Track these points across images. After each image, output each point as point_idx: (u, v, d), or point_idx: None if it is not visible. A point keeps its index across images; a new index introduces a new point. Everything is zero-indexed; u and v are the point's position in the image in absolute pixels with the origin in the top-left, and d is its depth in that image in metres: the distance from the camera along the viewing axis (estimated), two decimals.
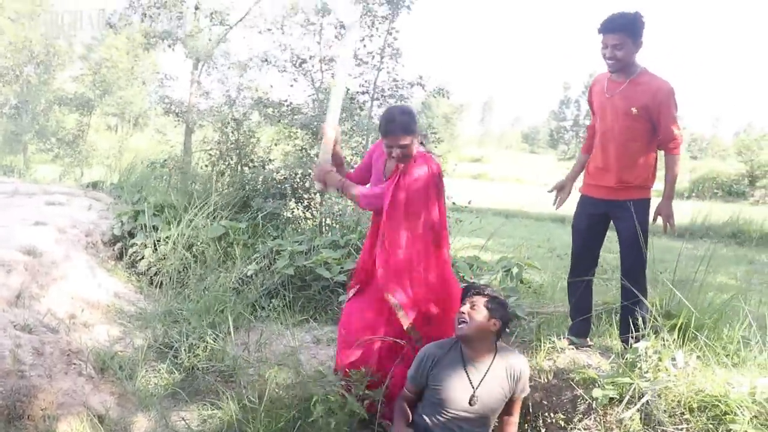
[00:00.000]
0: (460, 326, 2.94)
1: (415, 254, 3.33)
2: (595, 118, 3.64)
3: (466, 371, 2.94)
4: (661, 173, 3.56)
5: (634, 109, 3.32)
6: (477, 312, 2.92)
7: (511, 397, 3.00)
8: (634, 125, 3.36)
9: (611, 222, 3.60)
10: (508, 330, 3.27)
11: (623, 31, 3.27)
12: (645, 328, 3.38)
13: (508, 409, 3.05)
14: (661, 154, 3.52)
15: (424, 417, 3.00)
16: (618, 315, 3.71)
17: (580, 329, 3.64)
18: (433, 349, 3.04)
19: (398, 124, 3.18)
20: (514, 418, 3.11)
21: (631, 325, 3.40)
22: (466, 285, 3.19)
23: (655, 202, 3.53)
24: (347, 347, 3.45)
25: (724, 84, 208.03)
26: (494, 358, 2.97)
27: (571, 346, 3.56)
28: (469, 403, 2.90)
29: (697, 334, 3.41)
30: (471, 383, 2.92)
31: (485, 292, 3.00)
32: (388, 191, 3.32)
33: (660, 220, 3.50)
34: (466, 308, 2.95)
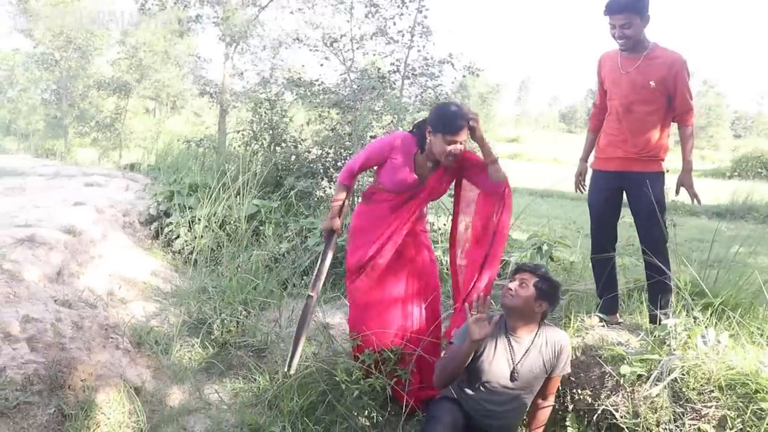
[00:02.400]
0: (505, 298, 2.93)
1: None
2: (603, 95, 3.62)
3: (509, 345, 2.93)
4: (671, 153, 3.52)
5: (652, 83, 3.31)
6: (525, 290, 2.89)
7: (550, 375, 2.97)
8: (652, 97, 3.35)
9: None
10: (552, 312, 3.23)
11: (628, 10, 3.24)
12: (672, 304, 3.35)
13: (543, 391, 3.02)
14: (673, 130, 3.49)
15: (452, 390, 3.02)
16: (647, 293, 3.67)
17: (609, 306, 3.61)
18: None
19: (465, 121, 3.12)
20: (548, 403, 3.07)
21: (660, 302, 3.37)
22: (519, 264, 3.16)
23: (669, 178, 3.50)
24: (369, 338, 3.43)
25: None
26: (537, 334, 2.94)
27: (601, 323, 3.54)
28: (510, 379, 2.90)
29: (732, 313, 3.36)
30: (512, 358, 2.91)
31: (538, 272, 2.95)
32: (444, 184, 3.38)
33: (683, 192, 3.48)
34: (514, 285, 2.93)
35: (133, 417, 3.21)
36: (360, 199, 3.62)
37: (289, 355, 3.35)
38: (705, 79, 70.87)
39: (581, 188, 3.82)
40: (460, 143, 3.15)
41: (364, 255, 3.40)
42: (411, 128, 3.39)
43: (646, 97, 3.36)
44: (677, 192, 3.51)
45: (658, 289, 3.43)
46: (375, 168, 3.49)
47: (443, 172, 3.34)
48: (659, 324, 3.32)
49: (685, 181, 3.46)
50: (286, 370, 3.32)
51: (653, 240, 3.43)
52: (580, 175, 3.83)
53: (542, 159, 35.01)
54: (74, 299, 3.89)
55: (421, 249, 3.56)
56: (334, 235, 3.44)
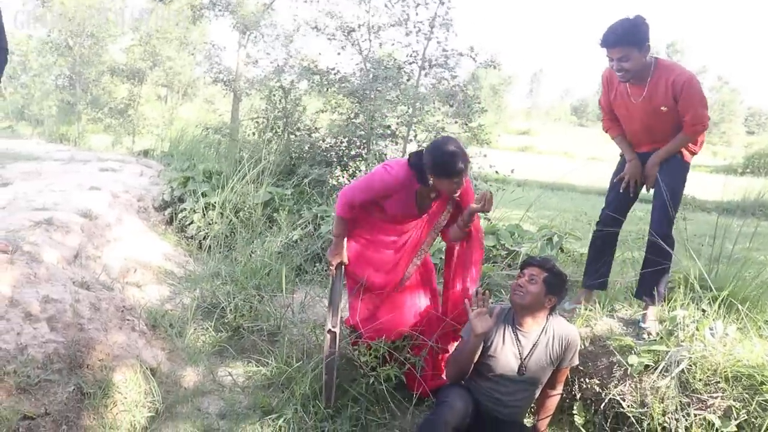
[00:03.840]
0: (515, 295, 2.95)
1: None
2: (612, 112, 3.57)
3: (517, 339, 2.96)
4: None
5: (663, 108, 3.25)
6: (534, 285, 2.91)
7: (558, 367, 3.00)
8: (668, 117, 3.30)
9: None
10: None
11: (625, 42, 3.11)
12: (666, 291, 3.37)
13: (552, 381, 3.05)
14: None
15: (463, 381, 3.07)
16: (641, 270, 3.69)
17: (597, 279, 3.62)
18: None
19: (465, 158, 3.05)
20: (556, 392, 3.11)
21: (653, 283, 3.41)
22: (528, 257, 3.17)
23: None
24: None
25: None
26: (545, 327, 2.97)
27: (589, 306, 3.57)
28: (518, 373, 2.93)
29: (740, 305, 3.39)
30: (520, 352, 2.94)
31: (547, 266, 2.96)
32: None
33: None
34: (523, 281, 2.94)
35: (148, 397, 3.28)
36: None
37: (324, 390, 3.31)
38: (719, 74, 70.37)
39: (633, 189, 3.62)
40: (466, 178, 3.13)
41: (374, 284, 3.40)
42: (408, 158, 3.23)
43: (663, 119, 3.30)
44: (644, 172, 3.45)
45: (656, 271, 3.42)
46: None
47: (445, 199, 3.33)
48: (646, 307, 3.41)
49: (651, 160, 3.39)
50: (324, 406, 3.30)
51: (659, 221, 3.36)
52: (635, 171, 3.54)
53: (553, 152, 34.89)
54: (91, 281, 3.96)
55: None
56: (342, 267, 3.42)
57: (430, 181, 3.08)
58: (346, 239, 3.38)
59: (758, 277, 3.89)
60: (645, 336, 3.29)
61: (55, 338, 3.11)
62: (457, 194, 3.18)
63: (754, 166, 27.30)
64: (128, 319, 3.75)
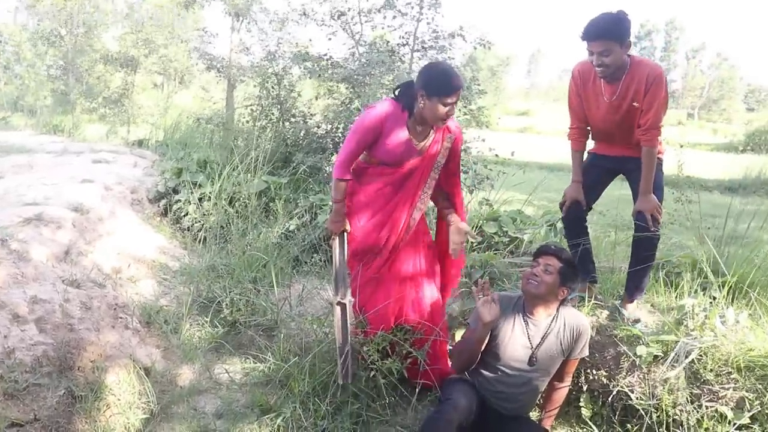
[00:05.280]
0: (529, 284, 2.84)
1: None
2: (582, 115, 3.44)
3: (527, 329, 2.87)
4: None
5: (635, 104, 3.14)
6: (549, 276, 2.80)
7: (568, 357, 2.90)
8: (639, 113, 3.18)
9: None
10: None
11: (607, 36, 3.02)
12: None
13: (560, 373, 2.95)
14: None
15: (466, 372, 2.98)
16: (661, 271, 3.61)
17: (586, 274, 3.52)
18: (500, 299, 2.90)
19: (459, 79, 2.95)
20: (564, 384, 3.02)
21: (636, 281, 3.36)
22: (543, 245, 3.05)
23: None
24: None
25: None
26: (555, 317, 2.87)
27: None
28: (529, 363, 2.84)
29: (749, 290, 3.29)
30: (531, 342, 2.85)
31: (563, 257, 2.85)
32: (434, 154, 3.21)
33: (639, 219, 3.24)
34: (538, 270, 2.83)
35: (143, 397, 3.20)
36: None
37: (341, 367, 3.19)
38: (718, 51, 69.86)
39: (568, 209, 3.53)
40: (455, 104, 3.00)
41: (378, 239, 3.24)
42: (393, 92, 3.15)
43: (633, 115, 3.19)
44: (636, 217, 3.26)
45: (644, 270, 3.35)
46: None
47: (440, 138, 3.18)
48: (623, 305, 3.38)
49: (644, 205, 3.20)
50: (341, 381, 3.19)
51: (645, 223, 3.23)
52: (577, 195, 3.46)
53: (553, 132, 34.68)
54: (82, 278, 3.86)
55: (426, 229, 3.47)
56: (344, 235, 3.27)
57: (421, 104, 2.95)
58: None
59: (765, 259, 3.80)
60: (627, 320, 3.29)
61: (44, 340, 3.02)
62: (441, 125, 3.06)
63: (755, 143, 27.05)
64: (121, 317, 3.66)
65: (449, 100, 2.91)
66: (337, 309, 3.18)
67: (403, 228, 3.25)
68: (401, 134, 3.07)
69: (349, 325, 3.17)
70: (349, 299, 3.18)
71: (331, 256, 3.31)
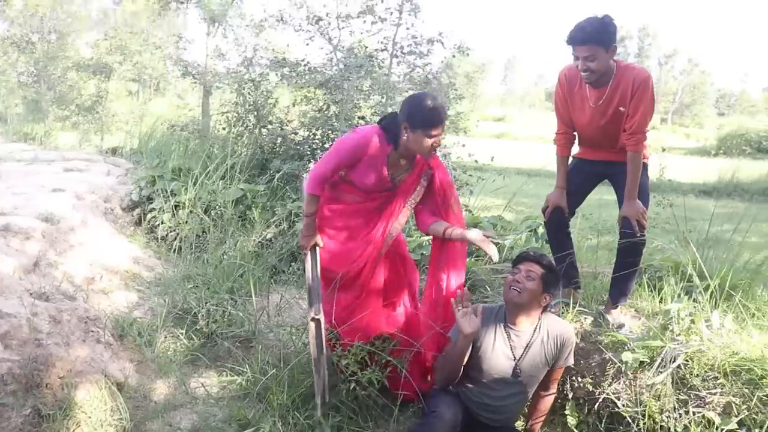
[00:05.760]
0: (511, 292, 2.78)
1: None
2: (568, 121, 3.37)
3: (509, 340, 2.81)
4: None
5: (622, 108, 3.10)
6: (532, 282, 2.75)
7: (553, 366, 2.85)
8: (624, 118, 3.14)
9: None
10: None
11: (592, 41, 2.97)
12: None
13: (545, 382, 2.90)
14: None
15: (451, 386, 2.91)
16: (644, 275, 3.57)
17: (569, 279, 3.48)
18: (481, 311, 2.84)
19: (443, 111, 2.91)
20: (550, 393, 2.96)
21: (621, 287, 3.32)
22: (523, 251, 3.00)
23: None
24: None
25: (753, 38, 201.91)
26: (538, 326, 2.82)
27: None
28: (513, 375, 2.79)
29: (733, 293, 3.27)
30: (513, 353, 2.79)
31: (544, 263, 2.80)
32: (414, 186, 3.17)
33: (625, 225, 3.18)
34: (520, 276, 2.77)
35: (115, 414, 3.07)
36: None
37: (317, 391, 3.13)
38: (689, 57, 70.99)
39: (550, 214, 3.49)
40: (442, 136, 2.98)
41: (348, 267, 3.18)
42: (380, 121, 3.10)
43: (619, 119, 3.14)
44: (620, 225, 3.20)
45: (625, 276, 3.30)
46: None
47: (418, 173, 3.14)
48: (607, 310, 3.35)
49: (628, 211, 3.14)
50: (318, 401, 3.12)
51: (631, 229, 3.17)
52: (559, 201, 3.42)
53: (529, 137, 34.91)
54: (52, 291, 3.73)
55: (402, 240, 3.44)
56: (316, 249, 3.19)
57: (405, 137, 2.91)
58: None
59: (749, 261, 3.79)
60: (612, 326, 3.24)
61: (9, 357, 2.89)
62: (429, 156, 3.01)
63: (727, 147, 27.57)
64: (92, 331, 3.52)
65: (434, 132, 2.88)
66: (312, 325, 3.11)
67: (378, 244, 3.19)
68: (378, 167, 3.03)
69: (323, 340, 3.10)
70: (322, 315, 3.11)
71: (305, 270, 3.23)
